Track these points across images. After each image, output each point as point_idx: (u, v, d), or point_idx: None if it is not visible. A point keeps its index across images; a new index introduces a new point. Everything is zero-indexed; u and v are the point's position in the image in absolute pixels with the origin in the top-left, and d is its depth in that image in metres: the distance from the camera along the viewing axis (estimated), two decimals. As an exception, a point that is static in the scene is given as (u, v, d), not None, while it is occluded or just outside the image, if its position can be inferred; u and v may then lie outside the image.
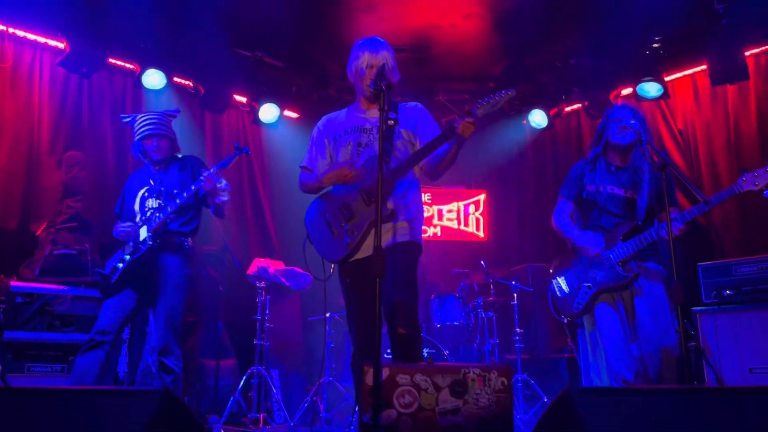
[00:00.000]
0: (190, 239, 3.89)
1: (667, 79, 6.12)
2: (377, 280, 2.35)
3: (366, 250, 2.93)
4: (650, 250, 3.39)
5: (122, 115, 4.16)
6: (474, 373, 2.37)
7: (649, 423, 1.73)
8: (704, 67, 5.93)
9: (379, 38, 3.16)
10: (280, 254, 6.84)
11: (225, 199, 3.66)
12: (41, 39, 5.63)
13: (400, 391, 2.34)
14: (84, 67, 5.47)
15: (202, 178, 3.59)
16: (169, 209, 3.68)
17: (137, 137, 3.93)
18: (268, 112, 6.69)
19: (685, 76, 6.28)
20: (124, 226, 3.85)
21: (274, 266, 6.06)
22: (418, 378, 2.36)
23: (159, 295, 3.71)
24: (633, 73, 6.14)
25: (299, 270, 6.16)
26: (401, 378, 2.35)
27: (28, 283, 4.52)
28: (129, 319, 3.74)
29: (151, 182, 3.92)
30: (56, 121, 5.64)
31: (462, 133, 2.80)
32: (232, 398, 5.10)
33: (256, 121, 6.76)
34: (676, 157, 6.13)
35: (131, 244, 3.76)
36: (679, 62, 6.13)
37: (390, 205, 2.95)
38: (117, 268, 3.74)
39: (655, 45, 5.93)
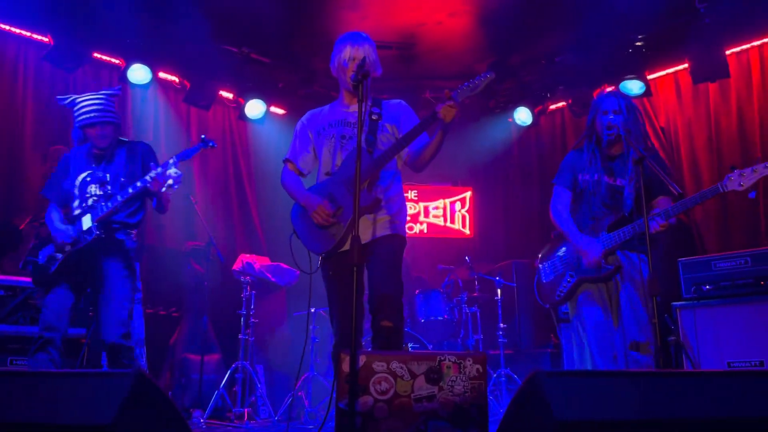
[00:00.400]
0: (134, 231, 3.66)
1: (649, 77, 6.19)
2: (354, 268, 2.39)
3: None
4: (641, 241, 3.32)
5: (59, 97, 3.76)
6: (449, 360, 2.40)
7: (616, 406, 1.77)
8: (686, 65, 6.00)
9: (362, 32, 3.18)
10: (266, 250, 6.86)
11: (175, 187, 3.39)
12: (26, 33, 5.63)
13: (376, 378, 2.37)
14: (69, 62, 5.46)
15: (148, 178, 3.38)
16: (119, 198, 3.45)
17: (78, 125, 3.60)
18: (255, 108, 6.70)
19: (667, 74, 6.36)
20: (64, 228, 3.56)
21: (259, 262, 6.08)
22: (395, 365, 2.39)
23: (102, 290, 3.49)
24: (616, 70, 6.20)
25: (285, 266, 6.18)
26: (377, 365, 2.38)
27: (10, 276, 4.50)
28: (73, 312, 3.51)
29: (95, 167, 3.64)
30: (40, 116, 5.64)
31: (443, 117, 2.83)
32: (216, 393, 5.11)
33: (243, 117, 6.78)
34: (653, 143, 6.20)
35: (73, 233, 3.50)
36: (661, 60, 6.21)
37: (375, 193, 2.98)
38: (56, 258, 3.51)
39: (638, 43, 5.99)
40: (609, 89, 6.44)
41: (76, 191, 3.60)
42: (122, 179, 3.56)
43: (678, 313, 5.07)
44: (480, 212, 8.01)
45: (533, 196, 7.38)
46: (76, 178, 3.63)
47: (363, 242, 2.90)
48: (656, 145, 6.25)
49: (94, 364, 4.66)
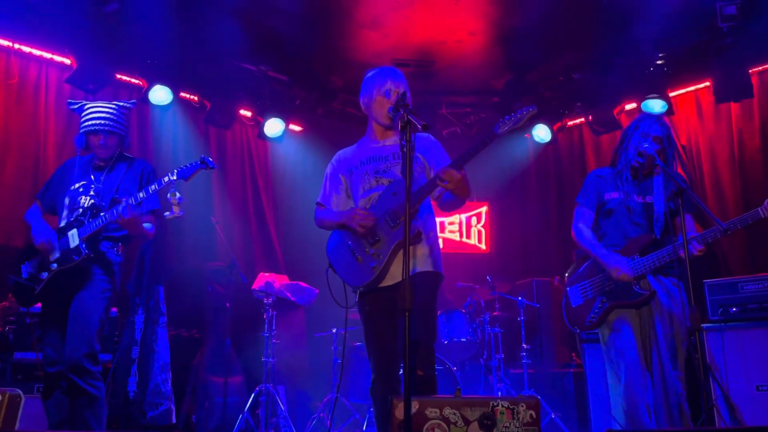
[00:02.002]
0: (120, 245, 3.48)
1: (671, 95, 6.17)
2: (405, 313, 2.35)
3: (390, 278, 2.92)
4: (671, 266, 3.30)
5: (69, 101, 3.63)
6: (502, 405, 2.38)
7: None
8: (708, 83, 5.99)
9: (396, 68, 3.18)
10: (284, 268, 6.84)
11: (180, 213, 3.23)
12: (47, 55, 5.62)
13: (429, 425, 2.35)
14: (91, 84, 5.44)
15: (119, 207, 3.21)
16: (105, 218, 3.27)
17: (82, 130, 3.45)
18: (274, 127, 6.69)
19: (688, 92, 6.34)
20: (47, 235, 3.36)
21: (278, 281, 6.05)
22: (447, 411, 2.37)
23: (74, 303, 3.28)
24: (637, 88, 6.18)
25: (304, 284, 6.15)
26: (430, 411, 2.36)
27: (37, 303, 4.48)
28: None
29: (92, 179, 3.49)
30: (62, 138, 5.63)
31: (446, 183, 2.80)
32: (241, 416, 5.09)
33: (261, 135, 6.76)
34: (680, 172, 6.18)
35: (57, 249, 3.32)
36: (682, 79, 6.19)
37: (415, 226, 2.94)
38: (40, 278, 3.33)
39: (659, 62, 5.98)
40: (629, 107, 6.46)
41: (67, 201, 3.46)
42: (114, 195, 3.42)
43: (705, 335, 5.05)
44: (496, 228, 7.98)
45: (551, 212, 7.37)
46: (69, 186, 3.50)
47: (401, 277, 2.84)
48: (677, 164, 6.21)
49: (120, 389, 4.66)
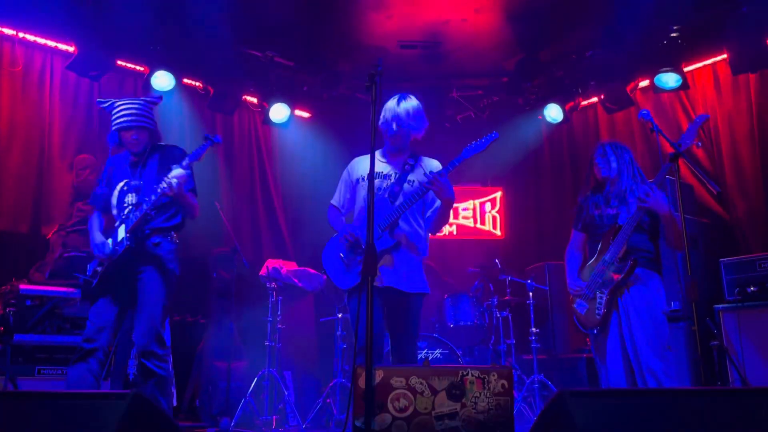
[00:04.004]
0: (173, 233, 3.64)
1: (686, 69, 5.92)
2: (368, 278, 2.30)
3: (378, 280, 3.25)
4: (648, 259, 3.52)
5: (98, 100, 3.78)
6: (473, 375, 2.28)
7: (641, 425, 1.65)
8: (725, 56, 5.73)
9: (407, 94, 3.50)
10: (293, 255, 6.79)
11: (186, 188, 3.43)
12: (51, 43, 5.67)
13: (395, 395, 2.26)
14: (93, 70, 5.47)
15: (164, 185, 3.37)
16: (144, 207, 3.45)
17: (114, 127, 3.61)
18: (279, 112, 6.63)
19: (705, 65, 6.09)
20: (100, 242, 3.61)
21: (286, 267, 6.02)
22: (414, 381, 2.27)
23: (138, 295, 3.49)
24: (651, 63, 5.96)
25: (312, 270, 6.11)
26: (396, 381, 2.27)
27: (37, 286, 4.51)
28: (116, 323, 3.48)
29: (131, 175, 3.66)
30: (67, 125, 5.66)
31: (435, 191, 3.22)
32: (243, 400, 5.06)
33: (267, 121, 6.71)
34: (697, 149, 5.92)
35: (110, 248, 3.53)
36: (698, 52, 5.93)
37: (399, 237, 3.32)
38: (97, 272, 3.55)
39: (673, 34, 5.74)
40: (642, 83, 6.24)
41: (115, 201, 3.63)
42: (155, 186, 3.51)
43: (720, 316, 4.85)
44: (511, 213, 7.81)
45: (566, 196, 7.16)
46: (115, 187, 3.66)
47: (400, 288, 3.28)
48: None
49: (120, 372, 4.68)
